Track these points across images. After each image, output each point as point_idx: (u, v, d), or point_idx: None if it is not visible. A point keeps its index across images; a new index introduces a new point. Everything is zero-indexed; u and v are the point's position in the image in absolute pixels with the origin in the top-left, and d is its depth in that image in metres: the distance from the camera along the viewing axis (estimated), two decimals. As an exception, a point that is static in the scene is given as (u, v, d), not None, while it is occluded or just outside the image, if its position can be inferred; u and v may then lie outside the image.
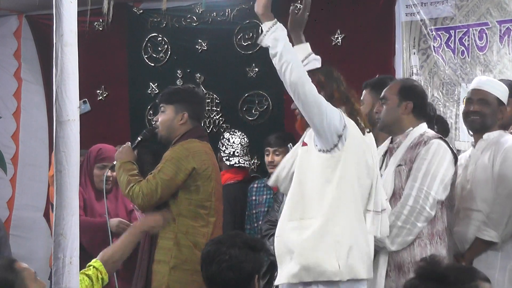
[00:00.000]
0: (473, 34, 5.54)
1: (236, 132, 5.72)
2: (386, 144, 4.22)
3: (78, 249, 2.61)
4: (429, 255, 2.97)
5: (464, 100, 4.48)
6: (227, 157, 5.58)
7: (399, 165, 4.03)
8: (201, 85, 6.46)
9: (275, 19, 3.63)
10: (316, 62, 3.89)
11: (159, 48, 6.65)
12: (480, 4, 5.51)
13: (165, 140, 4.67)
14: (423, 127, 4.14)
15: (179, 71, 6.55)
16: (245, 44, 6.36)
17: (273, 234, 5.06)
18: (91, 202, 5.08)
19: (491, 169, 4.20)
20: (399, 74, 5.69)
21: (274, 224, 5.09)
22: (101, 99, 6.84)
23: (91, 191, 5.11)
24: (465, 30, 5.58)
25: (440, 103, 5.60)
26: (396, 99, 4.13)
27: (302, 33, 3.98)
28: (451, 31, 5.63)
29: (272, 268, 5.10)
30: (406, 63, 5.75)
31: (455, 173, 4.16)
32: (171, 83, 6.27)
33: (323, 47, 5.85)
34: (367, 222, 3.66)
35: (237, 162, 5.57)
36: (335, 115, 3.59)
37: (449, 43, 5.63)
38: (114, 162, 4.64)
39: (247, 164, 5.72)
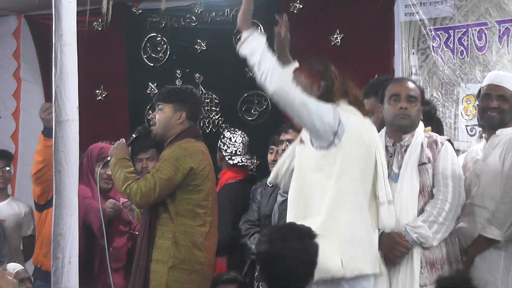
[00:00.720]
0: (472, 34, 5.54)
1: (236, 131, 5.72)
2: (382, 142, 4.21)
3: (77, 249, 2.62)
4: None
5: (481, 94, 4.39)
6: (230, 156, 5.57)
7: (423, 163, 4.07)
8: (200, 85, 6.46)
9: (252, 29, 3.67)
10: None
11: (158, 48, 6.65)
12: (479, 4, 5.51)
13: (160, 138, 4.71)
14: (421, 126, 4.20)
15: (178, 71, 6.54)
16: (244, 44, 6.35)
17: (253, 234, 5.08)
18: (97, 200, 5.08)
19: (501, 167, 4.18)
20: (398, 74, 5.68)
21: (253, 223, 5.10)
22: (100, 99, 6.84)
23: (96, 190, 5.11)
24: (464, 30, 5.57)
25: (439, 103, 5.60)
26: (419, 102, 4.20)
27: (288, 52, 4.00)
28: (450, 31, 5.62)
29: (253, 268, 5.11)
30: (405, 63, 5.75)
31: None
32: (170, 83, 6.26)
33: (322, 47, 5.87)
34: (382, 215, 3.67)
35: (240, 161, 5.57)
36: (328, 113, 3.58)
37: (448, 43, 5.63)
38: (109, 158, 4.65)
39: (249, 162, 5.72)
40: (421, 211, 4.03)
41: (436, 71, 5.67)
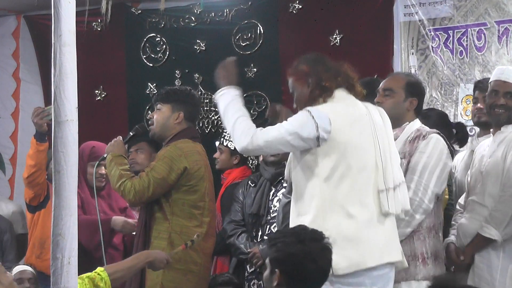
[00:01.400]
0: (472, 34, 5.54)
1: None
2: None
3: (76, 249, 2.61)
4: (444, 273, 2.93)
5: (489, 90, 4.30)
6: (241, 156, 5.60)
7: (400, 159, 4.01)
8: (199, 86, 6.46)
9: (227, 86, 3.86)
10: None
11: (158, 49, 6.65)
12: (479, 4, 5.52)
13: (157, 137, 4.74)
14: (418, 122, 4.15)
15: (177, 72, 6.55)
16: (243, 44, 6.36)
17: (240, 233, 5.08)
18: (87, 200, 5.08)
19: (503, 165, 4.12)
20: (398, 74, 5.69)
21: (238, 224, 5.10)
22: (99, 99, 6.84)
23: (86, 189, 5.11)
24: (463, 30, 5.58)
25: (438, 103, 5.61)
26: (403, 93, 4.13)
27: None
28: (449, 31, 5.63)
29: (242, 267, 5.10)
30: (405, 64, 5.76)
31: (451, 168, 4.17)
32: (170, 83, 6.27)
33: (322, 47, 5.86)
34: (382, 202, 3.60)
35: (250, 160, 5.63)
36: (304, 129, 3.55)
37: (448, 44, 5.63)
38: (105, 155, 4.66)
39: (255, 162, 5.72)
40: None
41: (435, 72, 5.68)
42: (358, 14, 5.94)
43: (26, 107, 7.05)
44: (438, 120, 4.75)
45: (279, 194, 4.97)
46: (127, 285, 4.59)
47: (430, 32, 5.67)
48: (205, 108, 6.43)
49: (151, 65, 6.67)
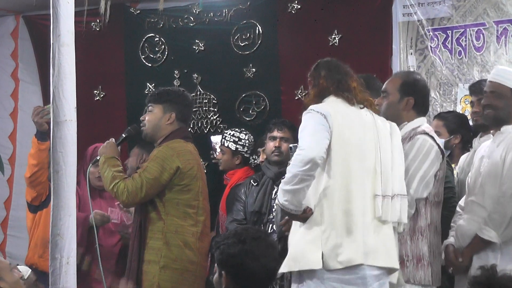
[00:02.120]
0: (470, 34, 5.54)
1: (243, 130, 5.74)
2: None
3: (75, 249, 2.61)
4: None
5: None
6: (249, 155, 5.61)
7: None
8: (198, 86, 6.46)
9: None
10: None
11: (156, 49, 6.64)
12: (477, 4, 5.52)
13: (149, 138, 4.75)
14: (417, 122, 4.14)
15: (176, 72, 6.54)
16: (242, 44, 6.36)
17: None
18: (85, 200, 5.08)
19: (502, 166, 4.08)
20: (396, 74, 5.68)
21: (241, 223, 5.10)
22: (98, 99, 6.84)
23: (86, 189, 5.11)
24: (462, 30, 5.58)
25: (437, 103, 5.61)
26: (398, 94, 4.15)
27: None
28: (448, 32, 5.63)
29: None
30: (403, 64, 5.76)
31: (442, 169, 4.12)
32: (168, 83, 6.27)
33: (320, 48, 5.87)
34: (376, 206, 3.66)
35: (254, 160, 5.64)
36: (318, 140, 3.64)
37: (446, 44, 5.63)
38: (98, 157, 4.67)
39: (258, 162, 5.73)
40: None
41: (434, 72, 5.68)
42: (357, 14, 5.94)
43: (25, 107, 7.05)
44: (457, 122, 4.75)
45: None
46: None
47: (429, 32, 5.67)
48: (204, 108, 6.43)
49: (150, 65, 6.67)
